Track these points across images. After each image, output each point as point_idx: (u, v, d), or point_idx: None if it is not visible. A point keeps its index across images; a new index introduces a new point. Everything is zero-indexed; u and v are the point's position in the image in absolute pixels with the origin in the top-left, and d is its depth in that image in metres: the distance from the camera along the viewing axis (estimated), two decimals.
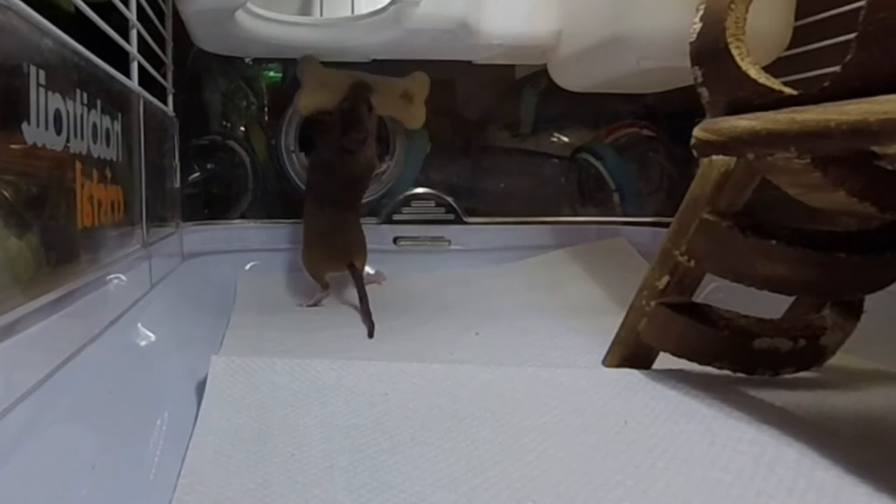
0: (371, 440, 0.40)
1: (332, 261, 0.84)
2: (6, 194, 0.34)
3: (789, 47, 0.74)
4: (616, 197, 1.13)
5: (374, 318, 0.76)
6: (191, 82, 0.99)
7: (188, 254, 0.91)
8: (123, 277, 0.55)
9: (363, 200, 0.88)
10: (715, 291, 0.71)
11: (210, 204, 1.03)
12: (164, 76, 0.83)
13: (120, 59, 0.58)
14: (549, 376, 0.50)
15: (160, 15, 0.82)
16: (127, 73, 0.60)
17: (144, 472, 0.38)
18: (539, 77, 1.06)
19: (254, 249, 0.98)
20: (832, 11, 0.67)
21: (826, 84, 0.37)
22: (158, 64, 0.78)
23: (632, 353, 0.54)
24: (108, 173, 0.50)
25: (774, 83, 0.44)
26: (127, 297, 0.56)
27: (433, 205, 1.06)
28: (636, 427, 0.42)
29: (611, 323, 0.56)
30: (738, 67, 0.45)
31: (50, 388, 0.36)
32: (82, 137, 0.43)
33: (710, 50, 0.48)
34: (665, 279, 0.51)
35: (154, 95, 0.71)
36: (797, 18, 0.73)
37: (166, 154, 0.80)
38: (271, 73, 1.06)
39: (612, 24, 0.77)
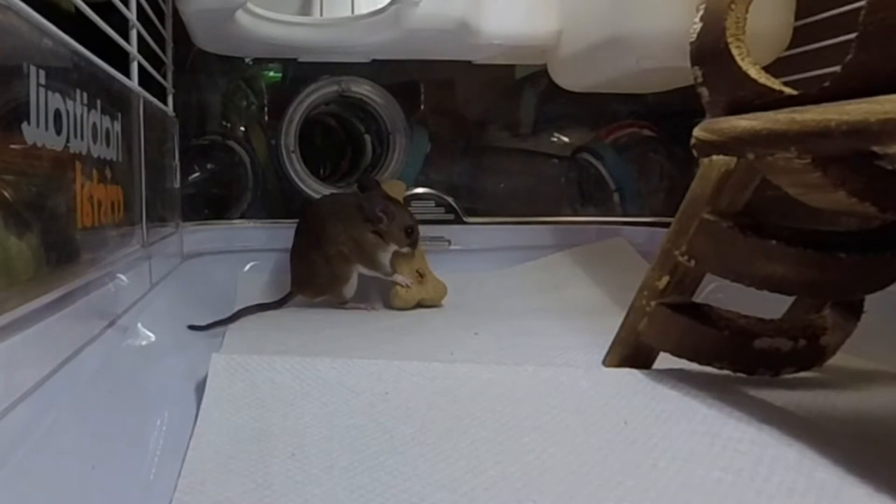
0: (371, 440, 0.40)
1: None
2: (6, 194, 0.34)
3: (789, 47, 0.74)
4: (616, 197, 1.13)
5: (375, 317, 0.78)
6: (191, 82, 0.99)
7: (188, 254, 0.91)
8: (123, 277, 0.55)
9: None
10: (715, 291, 0.71)
11: (210, 204, 1.03)
12: (164, 76, 0.83)
13: (120, 59, 0.58)
14: (549, 376, 0.50)
15: (160, 15, 0.82)
16: (127, 73, 0.60)
17: (144, 472, 0.38)
18: (539, 77, 1.06)
19: (254, 249, 0.98)
20: (832, 11, 0.67)
21: (826, 84, 0.37)
22: (158, 64, 0.78)
23: (632, 353, 0.54)
24: (108, 173, 0.50)
25: (774, 83, 0.44)
26: (127, 297, 0.56)
27: (433, 205, 1.06)
28: (636, 427, 0.42)
29: (611, 323, 0.56)
30: (738, 67, 0.45)
31: (50, 388, 0.36)
32: (82, 137, 0.43)
33: (710, 50, 0.48)
34: (665, 279, 0.51)
35: (154, 95, 0.71)
36: (797, 18, 0.73)
37: (166, 154, 0.80)
38: (271, 73, 1.06)
39: (612, 24, 0.77)
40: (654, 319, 0.51)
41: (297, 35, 0.86)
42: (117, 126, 0.52)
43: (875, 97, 0.33)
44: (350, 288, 0.84)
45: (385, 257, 0.84)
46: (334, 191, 1.04)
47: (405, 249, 0.85)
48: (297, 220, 0.89)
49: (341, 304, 0.84)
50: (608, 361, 0.55)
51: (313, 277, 0.84)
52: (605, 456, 0.38)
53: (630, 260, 0.97)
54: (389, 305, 0.85)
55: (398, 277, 0.84)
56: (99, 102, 0.47)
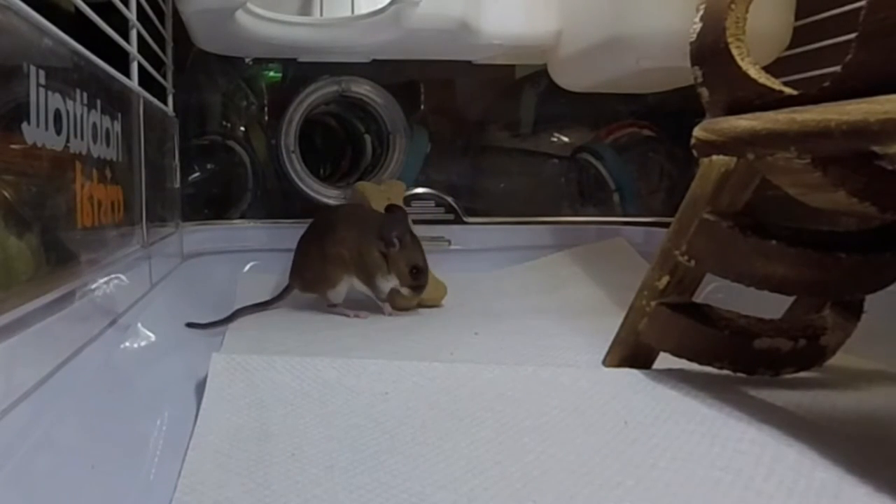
0: (371, 440, 0.40)
1: None
2: (6, 194, 0.34)
3: (789, 47, 0.74)
4: (616, 197, 1.13)
5: (375, 317, 0.77)
6: (191, 82, 0.99)
7: (188, 254, 0.91)
8: (123, 277, 0.55)
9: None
10: (715, 291, 0.71)
11: (210, 204, 1.03)
12: (164, 76, 0.83)
13: (120, 59, 0.58)
14: (549, 376, 0.50)
15: (160, 15, 0.82)
16: (127, 73, 0.60)
17: (144, 472, 0.38)
18: (539, 77, 1.06)
19: (254, 249, 0.98)
20: (832, 11, 0.67)
21: (826, 84, 0.37)
22: (158, 64, 0.78)
23: (632, 353, 0.54)
24: (108, 173, 0.50)
25: (774, 83, 0.44)
26: (127, 297, 0.56)
27: (433, 205, 1.06)
28: (636, 427, 0.42)
29: (611, 323, 0.56)
30: (738, 67, 0.45)
31: (50, 388, 0.36)
32: (82, 137, 0.43)
33: (710, 50, 0.48)
34: (665, 279, 0.51)
35: (154, 95, 0.71)
36: (797, 18, 0.73)
37: (166, 154, 0.80)
38: (271, 73, 1.06)
39: (612, 24, 0.77)
40: (654, 319, 0.51)
41: (297, 35, 0.86)
42: (117, 126, 0.52)
43: (875, 97, 0.33)
44: (336, 294, 0.81)
45: (383, 283, 0.79)
46: (334, 190, 1.04)
47: (405, 290, 0.79)
48: (296, 220, 0.89)
49: (329, 306, 0.82)
50: (608, 361, 0.55)
51: (305, 271, 0.83)
52: (605, 456, 0.38)
53: (630, 260, 0.97)
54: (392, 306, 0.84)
55: (386, 307, 0.81)
56: (99, 102, 0.47)
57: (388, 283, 0.79)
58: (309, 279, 0.83)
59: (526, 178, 1.14)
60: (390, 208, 0.85)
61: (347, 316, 0.80)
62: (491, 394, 0.47)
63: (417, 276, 0.78)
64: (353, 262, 0.80)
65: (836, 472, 0.36)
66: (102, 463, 0.35)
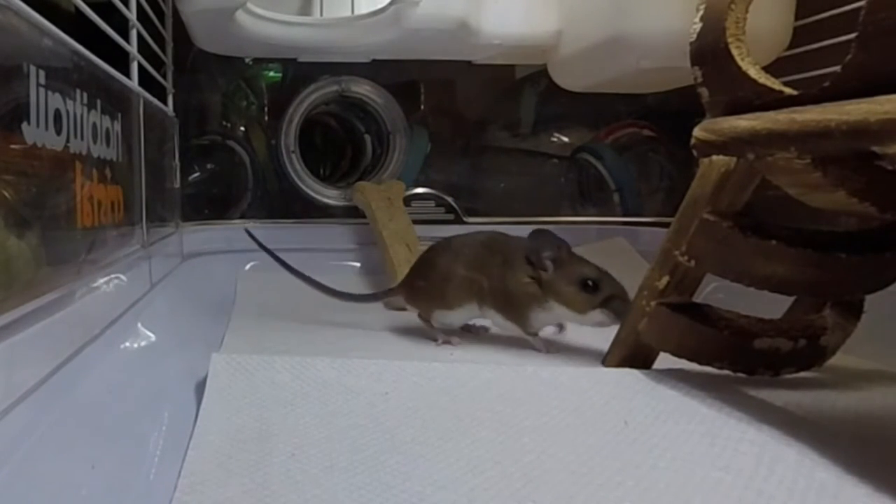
0: (371, 440, 0.40)
1: None
2: (6, 194, 0.34)
3: (789, 47, 0.74)
4: (616, 197, 1.13)
5: (375, 318, 0.76)
6: (191, 82, 0.99)
7: (188, 254, 0.91)
8: (123, 277, 0.55)
9: None
10: (715, 291, 0.71)
11: (210, 204, 1.03)
12: (164, 76, 0.83)
13: (120, 59, 0.58)
14: (549, 376, 0.50)
15: (160, 15, 0.82)
16: (127, 73, 0.60)
17: (144, 472, 0.38)
18: (539, 77, 1.06)
19: (254, 249, 0.97)
20: (832, 11, 0.67)
21: (826, 84, 0.37)
22: (158, 64, 0.78)
23: (632, 353, 0.54)
24: (108, 173, 0.50)
25: (774, 83, 0.44)
26: (127, 297, 0.56)
27: (433, 205, 1.06)
28: (636, 427, 0.42)
29: None
30: (738, 67, 0.45)
31: (50, 388, 0.36)
32: (82, 137, 0.43)
33: (710, 50, 0.48)
34: (665, 279, 0.51)
35: (154, 95, 0.71)
36: (797, 18, 0.73)
37: (166, 154, 0.80)
38: (271, 73, 1.06)
39: (612, 24, 0.77)
40: (654, 319, 0.51)
41: (297, 35, 0.86)
42: (117, 126, 0.52)
43: (875, 97, 0.33)
44: (445, 317, 0.67)
45: (541, 315, 0.63)
46: (334, 190, 1.04)
47: (596, 315, 0.59)
48: (296, 220, 0.88)
49: (423, 321, 0.69)
50: (608, 361, 0.55)
51: (420, 280, 0.69)
52: (605, 456, 0.38)
53: (630, 260, 0.97)
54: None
55: (538, 342, 0.64)
56: (99, 102, 0.47)
57: (548, 314, 0.63)
58: (421, 290, 0.69)
59: (526, 178, 1.14)
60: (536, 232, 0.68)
61: (437, 341, 0.67)
62: (491, 394, 0.47)
63: (594, 288, 0.59)
64: (492, 291, 0.65)
65: (836, 472, 0.36)
66: (102, 463, 0.35)
